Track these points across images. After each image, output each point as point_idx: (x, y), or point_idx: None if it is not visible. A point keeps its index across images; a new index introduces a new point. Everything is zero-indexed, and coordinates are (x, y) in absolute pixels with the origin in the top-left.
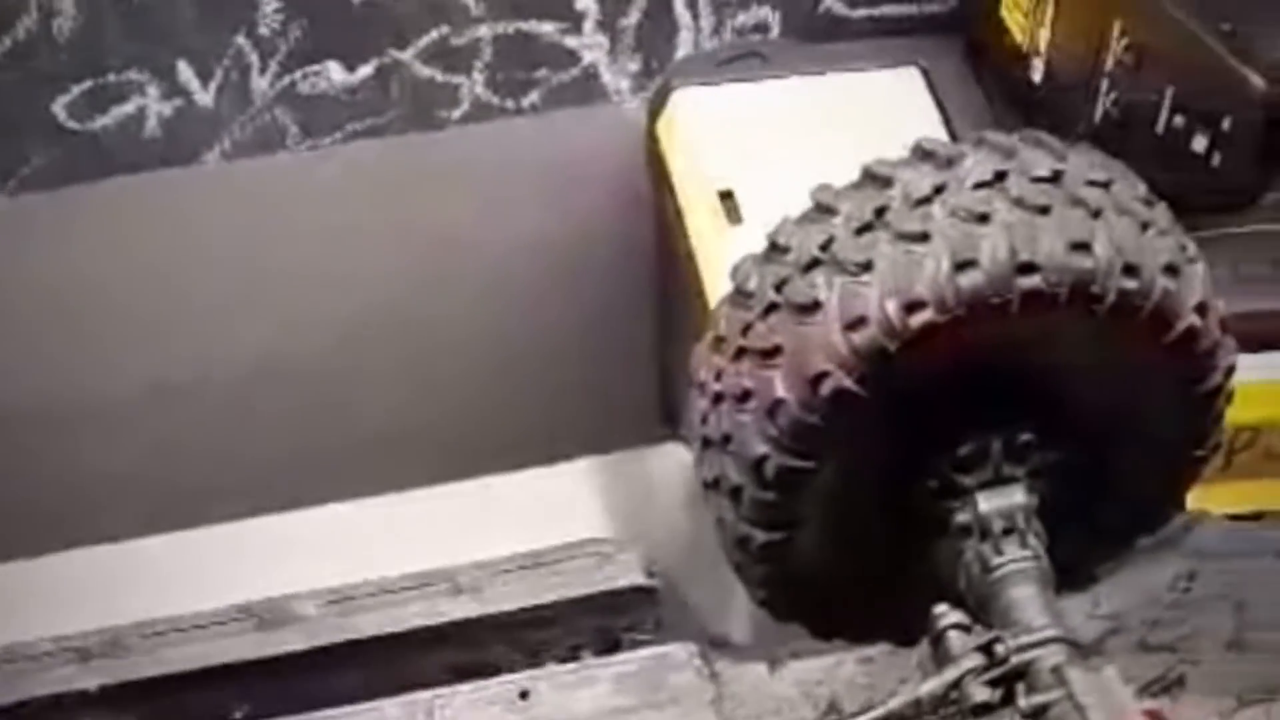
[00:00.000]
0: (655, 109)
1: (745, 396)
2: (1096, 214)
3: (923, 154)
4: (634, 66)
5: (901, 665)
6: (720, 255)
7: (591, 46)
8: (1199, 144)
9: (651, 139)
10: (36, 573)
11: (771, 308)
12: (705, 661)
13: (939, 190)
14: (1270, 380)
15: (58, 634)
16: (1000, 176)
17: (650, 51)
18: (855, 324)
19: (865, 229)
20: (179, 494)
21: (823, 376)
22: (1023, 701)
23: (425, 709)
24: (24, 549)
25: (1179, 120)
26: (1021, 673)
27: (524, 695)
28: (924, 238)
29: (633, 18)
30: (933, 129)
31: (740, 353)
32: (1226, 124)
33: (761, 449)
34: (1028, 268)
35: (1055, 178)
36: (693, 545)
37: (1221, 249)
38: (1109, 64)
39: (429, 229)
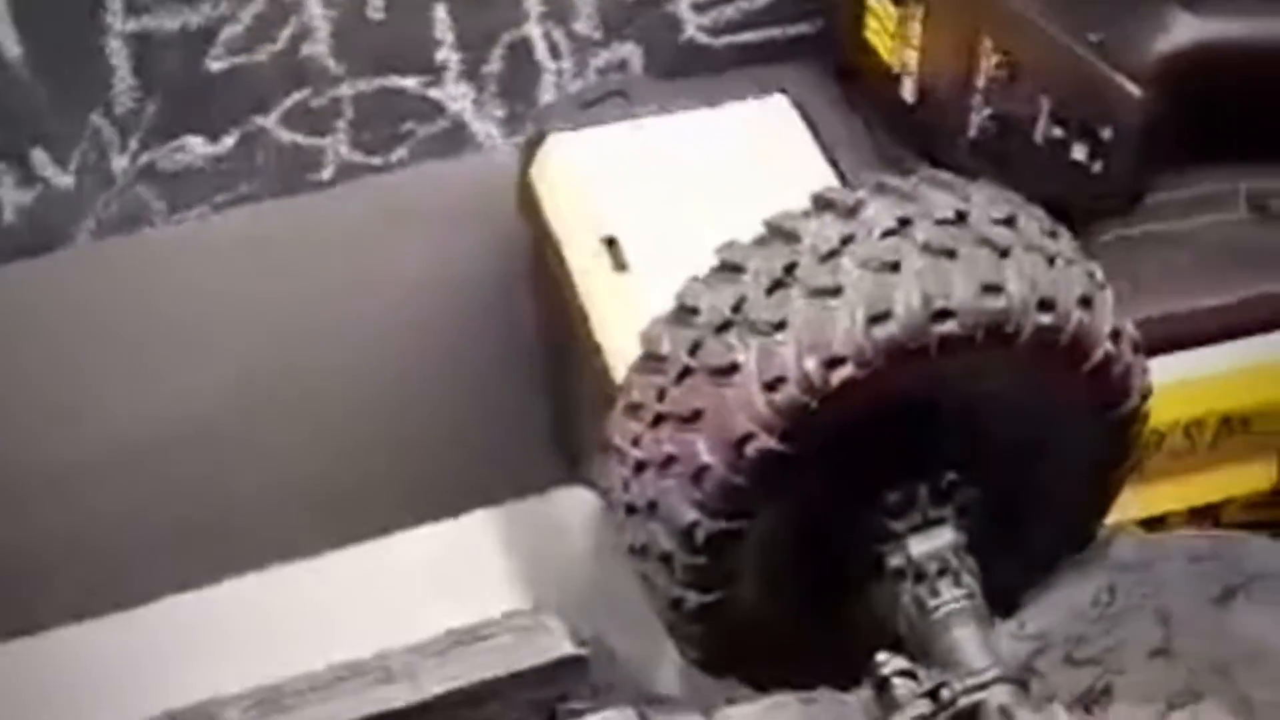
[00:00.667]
0: (527, 157)
1: (669, 463)
2: (1005, 253)
3: (824, 204)
4: (500, 113)
5: (840, 706)
6: (609, 303)
7: (456, 97)
8: (1079, 153)
9: (525, 187)
10: None
11: (687, 371)
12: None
13: (846, 241)
14: (1166, 384)
15: None
16: (905, 222)
17: (515, 97)
18: (775, 384)
19: (776, 286)
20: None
21: (747, 438)
22: None
23: None
24: None
25: (1057, 131)
26: (970, 715)
27: None
28: (836, 291)
29: (495, 65)
30: (809, 157)
31: (659, 419)
32: (1105, 132)
33: (690, 515)
34: (942, 314)
35: (960, 218)
36: (607, 593)
37: (1108, 256)
38: (982, 80)
39: (305, 293)
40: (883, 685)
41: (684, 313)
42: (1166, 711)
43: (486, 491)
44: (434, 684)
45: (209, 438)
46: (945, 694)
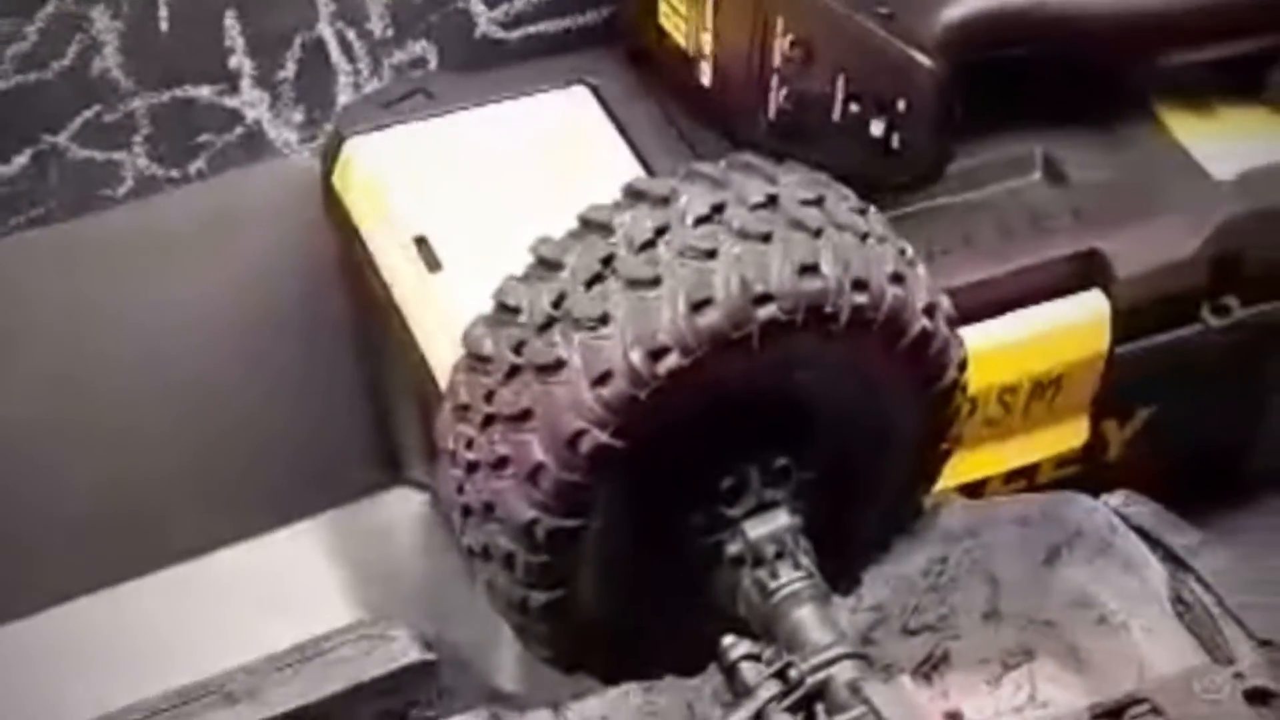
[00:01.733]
0: (329, 159)
1: (502, 463)
2: (818, 233)
3: (635, 195)
4: (298, 118)
5: (684, 690)
6: (424, 303)
7: (252, 103)
8: (877, 128)
9: (329, 191)
10: None
11: (514, 371)
12: None
13: (661, 231)
14: (979, 352)
15: None
16: (718, 209)
17: (312, 101)
18: (602, 379)
19: (595, 280)
20: None
21: (579, 435)
22: None
23: None
24: None
25: (854, 107)
26: (819, 693)
27: None
28: (655, 282)
29: (289, 69)
30: (612, 146)
31: (489, 420)
32: (901, 105)
33: (529, 514)
34: (762, 298)
35: (771, 202)
36: (441, 593)
37: (912, 227)
38: (776, 60)
39: (110, 311)
40: (731, 670)
41: (505, 312)
42: (1003, 672)
43: (308, 500)
44: (278, 703)
45: (25, 455)
46: (793, 673)
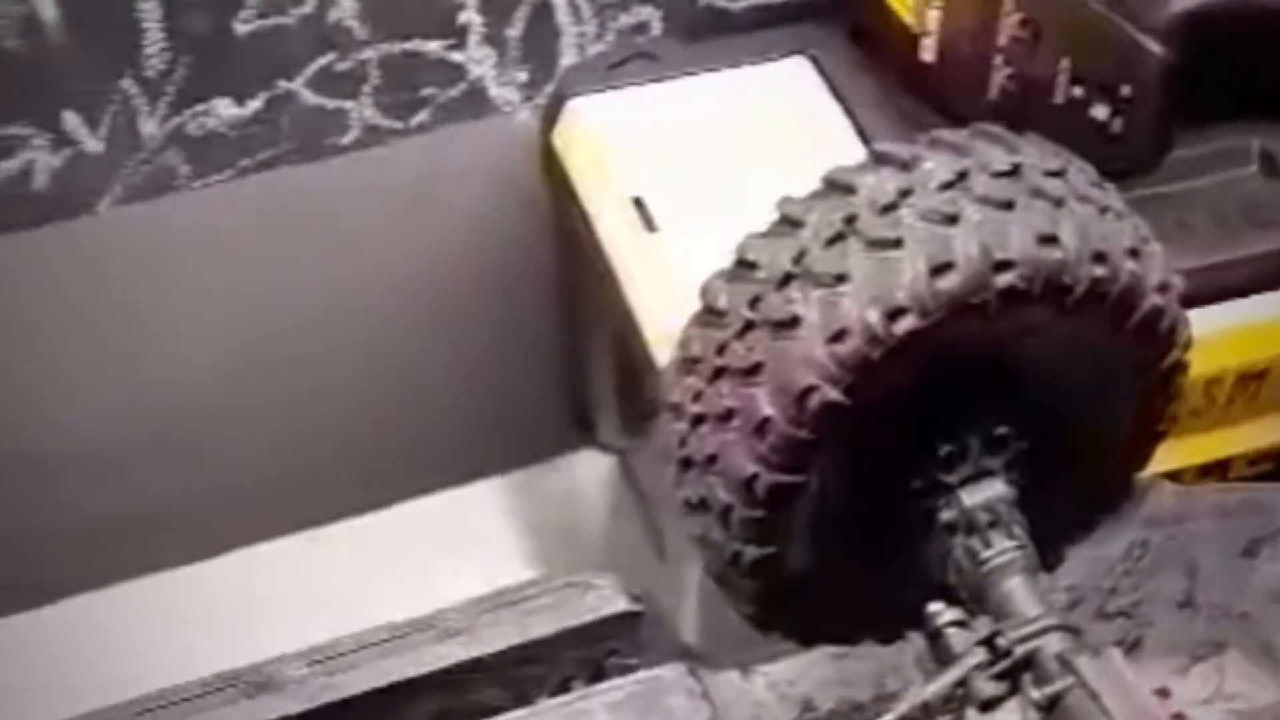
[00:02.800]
0: (550, 119)
1: (728, 416)
2: (1059, 204)
3: (880, 158)
4: (522, 77)
5: (874, 659)
6: (638, 264)
7: (478, 60)
8: (1099, 112)
9: (548, 149)
10: None
11: (748, 326)
12: (697, 680)
13: (904, 194)
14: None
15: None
16: (962, 175)
17: (536, 60)
18: (837, 336)
19: (836, 239)
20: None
21: (809, 391)
22: (1034, 693)
23: None
24: None
25: (1077, 90)
26: (1026, 664)
27: None
28: (897, 244)
29: (517, 28)
30: (830, 117)
31: (718, 373)
32: (1125, 91)
33: (750, 468)
34: (1003, 265)
35: (1015, 171)
36: (622, 557)
37: None
38: (1003, 39)
39: (329, 256)
40: (936, 636)
41: (743, 267)
42: (1191, 663)
43: (498, 457)
44: (487, 642)
45: (227, 405)
46: (1001, 642)
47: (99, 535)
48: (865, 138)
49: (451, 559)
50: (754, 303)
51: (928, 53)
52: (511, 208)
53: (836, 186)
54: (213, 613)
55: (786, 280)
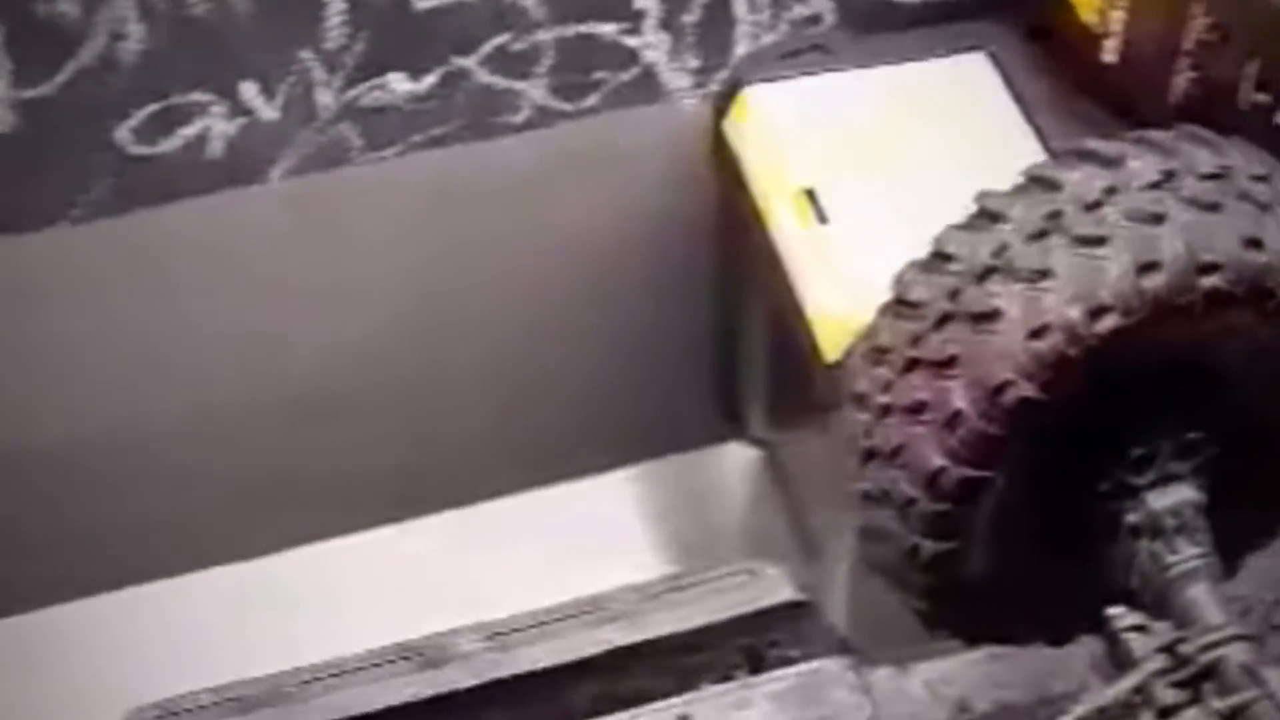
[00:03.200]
0: (722, 106)
1: (918, 408)
2: (1265, 208)
3: (1084, 155)
4: (694, 63)
5: (1031, 662)
6: (808, 255)
7: (652, 45)
8: None
9: (718, 137)
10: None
11: (944, 317)
12: (858, 675)
13: (1110, 192)
14: None
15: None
16: (1169, 175)
17: (709, 48)
18: (1038, 332)
19: (1039, 234)
20: (242, 525)
21: (1005, 386)
22: (1217, 703)
23: None
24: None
25: (1261, 96)
26: (1208, 673)
27: None
28: (1101, 241)
29: (694, 14)
30: (1007, 115)
31: (910, 364)
32: None
33: (938, 461)
34: (1208, 267)
35: (1222, 174)
36: (770, 551)
37: None
38: (1189, 42)
39: (491, 235)
40: (1115, 640)
41: (940, 259)
42: None
43: (644, 445)
44: (652, 627)
45: (382, 378)
46: (1184, 649)
47: (242, 508)
48: (1042, 137)
49: (591, 546)
50: (952, 295)
51: (1109, 53)
52: (676, 195)
53: (1040, 182)
54: (359, 591)
55: (987, 274)
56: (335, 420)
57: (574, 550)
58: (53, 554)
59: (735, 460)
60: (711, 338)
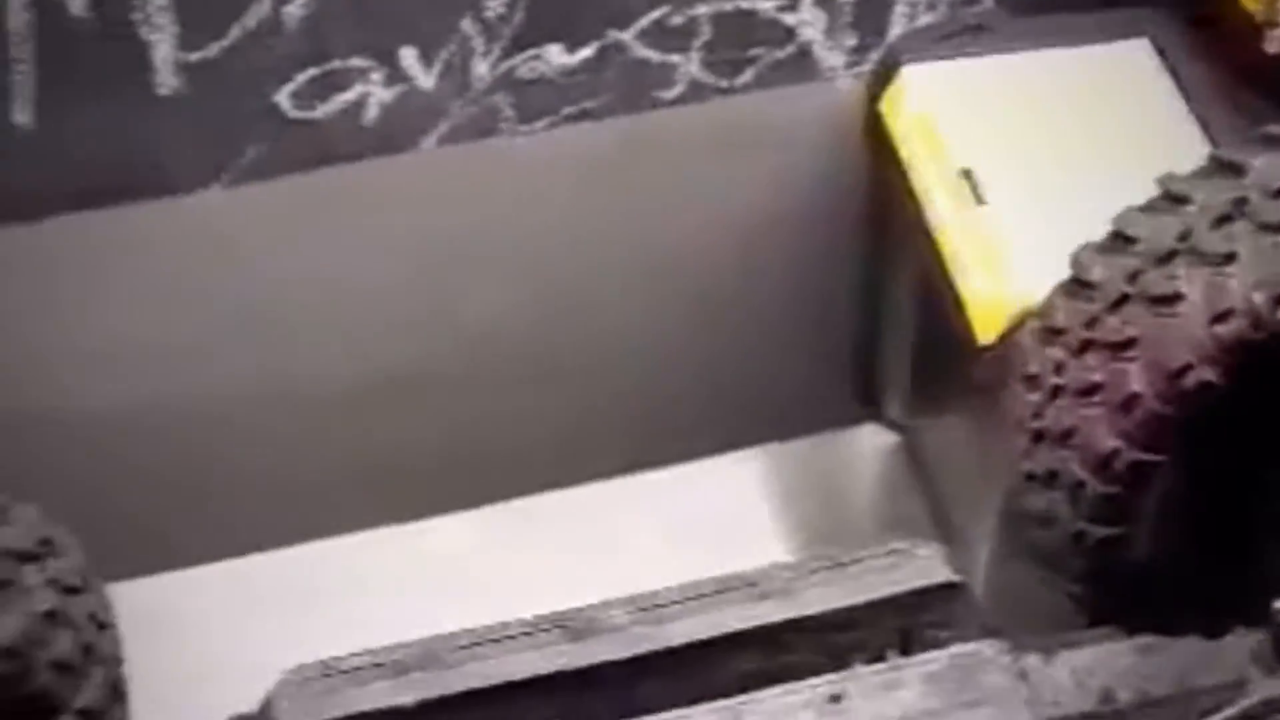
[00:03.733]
0: (879, 86)
1: (1093, 390)
2: None
3: (1269, 141)
4: (850, 42)
5: (1176, 653)
6: (964, 236)
7: (809, 22)
8: None
9: (874, 116)
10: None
11: (1123, 299)
12: (1014, 659)
13: None
14: None
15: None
16: None
17: (865, 27)
18: (1221, 316)
19: (1224, 219)
20: (374, 492)
21: (1185, 370)
22: None
23: (734, 715)
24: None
25: None
26: None
27: (834, 699)
28: None
29: None
30: (1169, 102)
31: (1086, 346)
32: None
33: (1111, 443)
34: None
35: None
36: (900, 535)
37: None
38: None
39: (637, 211)
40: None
41: (1120, 240)
42: None
43: (780, 424)
44: (808, 604)
45: (528, 351)
46: None
47: (399, 472)
48: (1204, 126)
49: (718, 526)
50: (1132, 277)
51: (1273, 44)
52: (826, 174)
53: (1226, 166)
54: (495, 563)
55: (1169, 257)
56: (484, 388)
57: (700, 530)
58: (211, 511)
59: (870, 443)
60: (853, 318)
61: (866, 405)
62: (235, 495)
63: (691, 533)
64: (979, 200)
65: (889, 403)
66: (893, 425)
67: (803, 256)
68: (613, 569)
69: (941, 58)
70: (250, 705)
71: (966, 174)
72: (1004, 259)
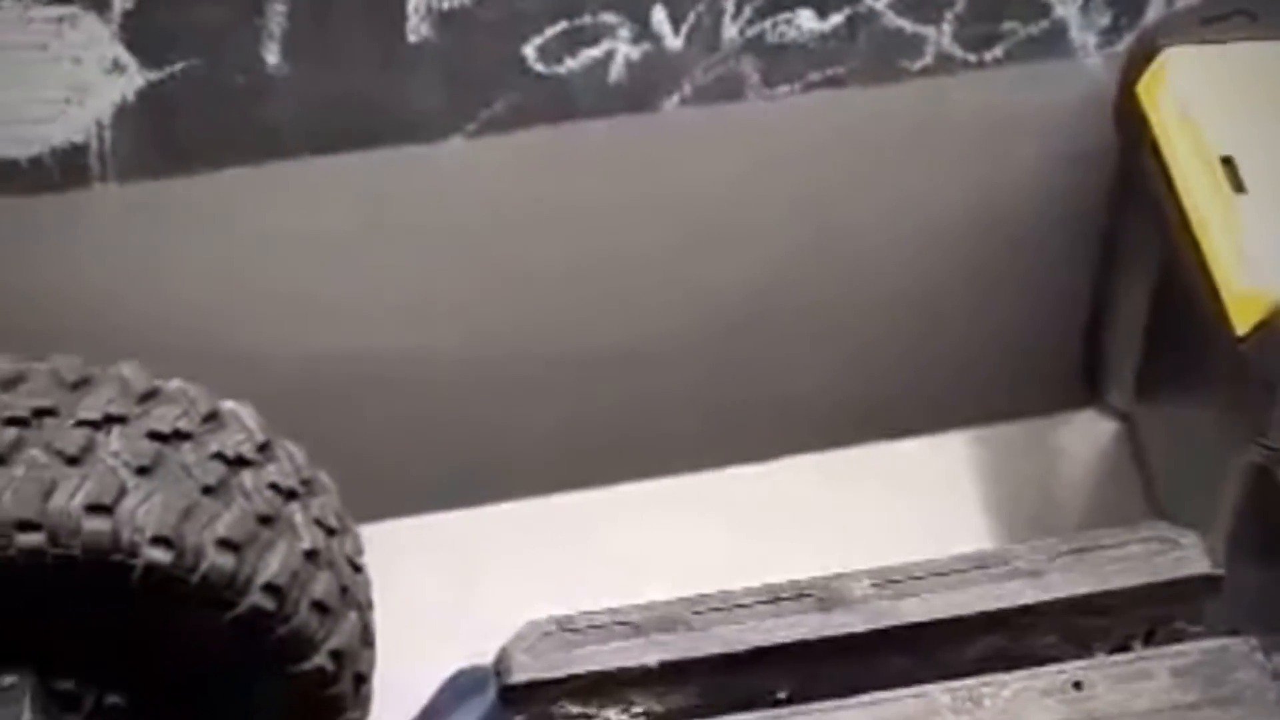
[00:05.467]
0: (1136, 68)
1: None
2: None
3: None
4: (1104, 22)
5: None
6: (1222, 225)
7: (1066, 0)
8: None
9: (1129, 98)
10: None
11: None
12: (1267, 656)
13: None
14: None
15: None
16: None
17: (1122, 7)
18: None
19: None
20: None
21: None
22: None
23: (974, 696)
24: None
25: None
26: None
27: (1077, 686)
28: None
29: None
30: None
31: None
32: None
33: None
34: None
35: None
36: (1109, 524)
37: None
38: None
39: (877, 181)
40: None
41: None
42: None
43: (996, 405)
44: (1060, 586)
45: (761, 317)
46: None
47: (645, 427)
48: None
49: (927, 505)
50: None
51: None
52: (1069, 153)
53: None
54: (721, 524)
55: None
56: (718, 351)
57: (910, 508)
58: (453, 460)
59: (1088, 429)
60: (1083, 301)
61: (1088, 390)
62: (476, 445)
63: (902, 509)
64: (1239, 189)
65: (1112, 388)
66: (1114, 412)
67: (1036, 235)
68: (833, 539)
69: (1204, 41)
70: (484, 657)
71: (1227, 161)
72: (1262, 249)
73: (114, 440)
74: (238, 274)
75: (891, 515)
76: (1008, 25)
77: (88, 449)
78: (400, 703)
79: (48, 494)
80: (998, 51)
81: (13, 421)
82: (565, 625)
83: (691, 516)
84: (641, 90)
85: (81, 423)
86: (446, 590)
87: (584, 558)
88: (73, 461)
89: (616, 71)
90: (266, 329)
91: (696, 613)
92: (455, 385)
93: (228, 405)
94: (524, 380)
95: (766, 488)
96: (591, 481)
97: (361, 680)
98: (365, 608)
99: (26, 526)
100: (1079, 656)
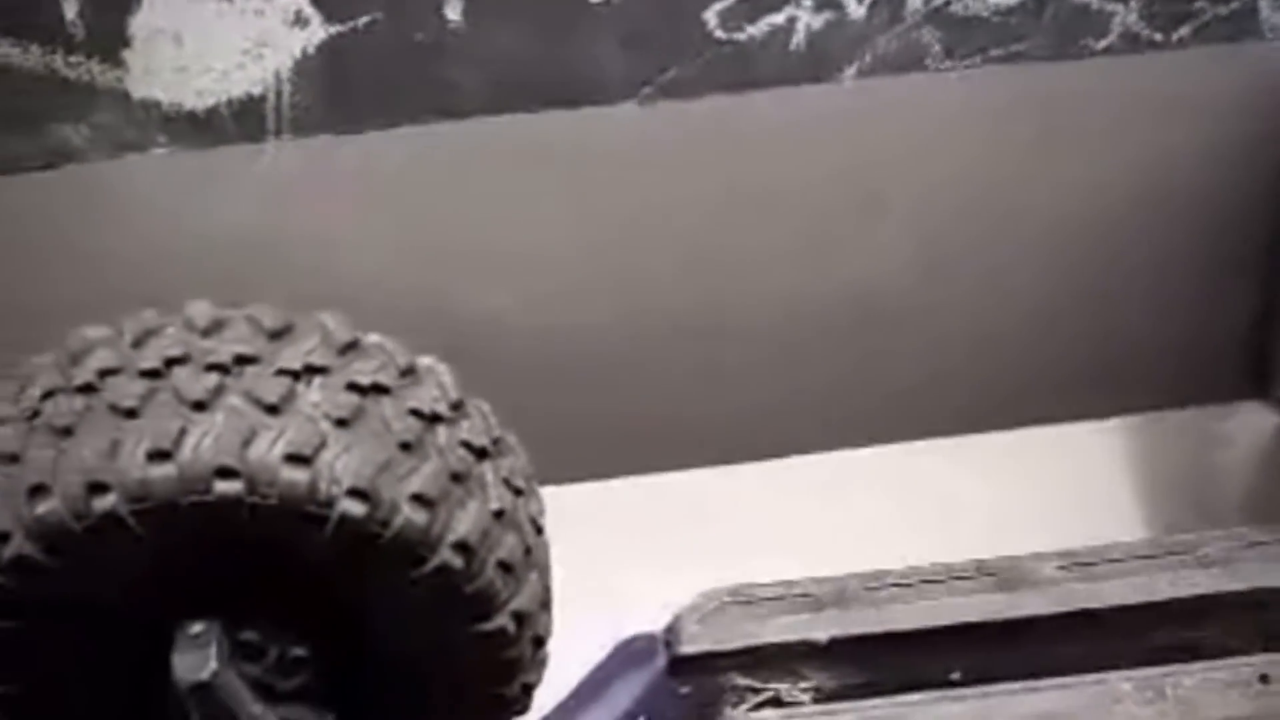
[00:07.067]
0: None
1: None
2: None
3: None
4: None
5: None
6: None
7: None
8: None
9: None
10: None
11: None
12: None
13: None
14: None
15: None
16: None
17: None
18: None
19: None
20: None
21: None
22: None
23: (1157, 686)
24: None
25: None
26: None
27: (1264, 679)
28: None
29: None
30: None
31: None
32: None
33: None
34: None
35: None
36: (1267, 518)
37: None
38: None
39: (1052, 158)
40: None
41: None
42: None
43: (1159, 393)
44: (1245, 578)
45: (883, 307)
46: None
47: (805, 407)
48: None
49: (1081, 491)
50: None
51: None
52: (1252, 138)
53: None
54: (885, 496)
55: None
56: (864, 338)
57: (1062, 493)
58: (633, 427)
59: (1252, 421)
60: (1254, 292)
61: (1253, 382)
62: (656, 414)
63: (1052, 494)
64: None
65: (1278, 382)
66: (1278, 404)
67: (1214, 224)
68: (973, 522)
69: None
70: (656, 625)
71: None
72: None
73: (314, 391)
74: (406, 232)
75: (1050, 499)
76: (1198, 5)
77: (288, 398)
78: (566, 667)
79: (247, 442)
80: (1185, 31)
81: (214, 367)
82: (738, 597)
83: (863, 491)
84: (822, 59)
85: (282, 371)
86: (617, 556)
87: (758, 529)
88: (272, 410)
89: (797, 40)
90: (431, 285)
91: (871, 589)
92: (622, 356)
93: (425, 361)
94: (694, 354)
95: (928, 466)
96: (765, 454)
97: (539, 643)
98: (545, 570)
99: (225, 473)
100: (1266, 650)
